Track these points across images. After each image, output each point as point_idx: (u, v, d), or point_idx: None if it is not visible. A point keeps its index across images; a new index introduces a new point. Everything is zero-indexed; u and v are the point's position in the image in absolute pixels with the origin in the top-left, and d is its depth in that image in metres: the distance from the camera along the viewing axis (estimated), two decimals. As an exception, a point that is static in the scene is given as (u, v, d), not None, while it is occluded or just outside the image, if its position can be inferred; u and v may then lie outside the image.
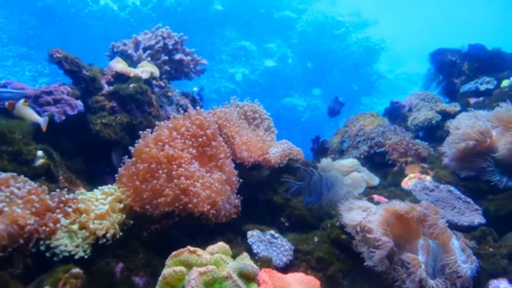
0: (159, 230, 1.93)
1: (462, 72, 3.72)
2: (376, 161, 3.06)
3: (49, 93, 2.32)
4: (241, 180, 2.15)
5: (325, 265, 1.86)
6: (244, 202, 2.15)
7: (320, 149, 2.71)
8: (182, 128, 2.02)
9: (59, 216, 1.65)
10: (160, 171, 1.85)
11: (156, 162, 1.87)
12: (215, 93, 11.92)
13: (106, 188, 1.95)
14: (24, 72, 10.84)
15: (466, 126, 2.44)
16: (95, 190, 1.94)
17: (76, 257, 1.60)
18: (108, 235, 1.70)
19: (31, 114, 2.12)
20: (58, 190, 1.77)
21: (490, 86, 3.35)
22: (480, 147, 2.37)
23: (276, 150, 2.34)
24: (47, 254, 1.58)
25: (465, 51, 3.74)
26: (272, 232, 1.99)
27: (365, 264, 1.76)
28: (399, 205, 1.89)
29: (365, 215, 1.92)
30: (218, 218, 1.91)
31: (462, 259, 1.75)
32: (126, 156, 2.00)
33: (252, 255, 1.78)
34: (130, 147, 1.99)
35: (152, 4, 12.03)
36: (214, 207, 1.85)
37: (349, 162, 2.86)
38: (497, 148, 2.34)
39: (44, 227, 1.58)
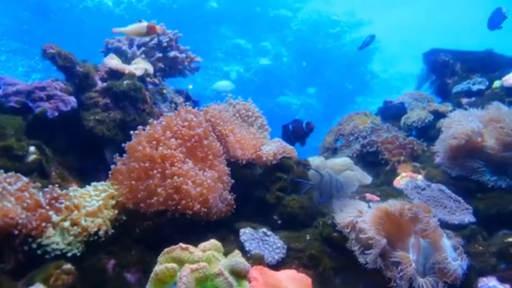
0: (152, 227, 1.92)
1: (455, 72, 3.74)
2: (369, 160, 3.07)
3: (42, 88, 2.30)
4: (234, 178, 2.15)
5: (316, 262, 1.87)
6: (237, 200, 2.15)
7: (306, 131, 2.66)
8: (174, 126, 2.02)
9: (50, 212, 1.64)
10: (154, 171, 1.84)
11: (149, 160, 1.86)
12: (210, 91, 11.88)
13: (99, 184, 1.94)
14: (17, 68, 10.72)
15: (458, 124, 2.46)
16: (88, 186, 1.94)
17: (68, 255, 1.60)
18: (100, 232, 1.69)
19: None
20: (50, 186, 1.76)
21: (482, 87, 3.38)
22: (471, 146, 2.40)
23: (270, 147, 2.35)
24: (39, 252, 1.57)
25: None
26: (265, 229, 1.99)
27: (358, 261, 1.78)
28: (391, 204, 1.91)
29: (357, 213, 1.93)
30: (209, 215, 1.91)
31: (453, 257, 1.77)
32: (117, 154, 1.99)
33: (244, 253, 1.79)
34: (123, 144, 1.98)
35: (147, 1, 11.97)
36: (206, 204, 1.85)
37: (342, 161, 2.86)
38: (487, 147, 2.36)
39: (35, 223, 1.57)
